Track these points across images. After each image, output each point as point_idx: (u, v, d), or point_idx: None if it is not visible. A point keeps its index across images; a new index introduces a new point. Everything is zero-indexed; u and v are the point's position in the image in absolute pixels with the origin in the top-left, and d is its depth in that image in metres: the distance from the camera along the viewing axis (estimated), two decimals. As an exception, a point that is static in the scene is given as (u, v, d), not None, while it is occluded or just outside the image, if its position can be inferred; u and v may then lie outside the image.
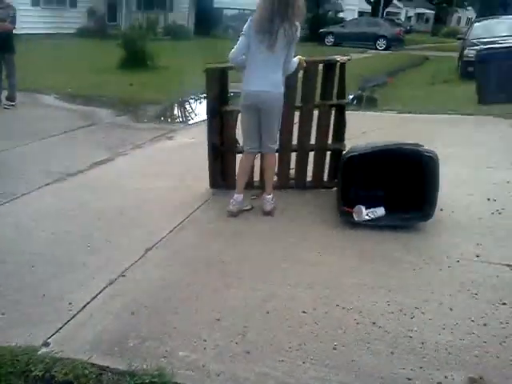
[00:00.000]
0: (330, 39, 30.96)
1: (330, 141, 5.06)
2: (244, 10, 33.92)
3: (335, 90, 4.91)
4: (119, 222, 4.46)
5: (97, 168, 6.06)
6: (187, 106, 11.38)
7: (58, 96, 10.84)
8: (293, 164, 5.16)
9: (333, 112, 4.95)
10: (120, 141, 7.29)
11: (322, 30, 31.37)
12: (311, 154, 5.11)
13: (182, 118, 10.43)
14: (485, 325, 2.96)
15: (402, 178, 4.42)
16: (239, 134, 4.77)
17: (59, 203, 4.87)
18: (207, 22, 31.15)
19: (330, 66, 4.79)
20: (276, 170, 4.87)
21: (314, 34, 30.02)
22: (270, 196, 4.66)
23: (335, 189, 4.72)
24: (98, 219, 4.50)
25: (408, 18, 60.36)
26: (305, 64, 4.53)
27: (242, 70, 4.35)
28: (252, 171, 4.93)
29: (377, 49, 28.80)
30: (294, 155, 5.12)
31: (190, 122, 9.44)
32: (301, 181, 5.19)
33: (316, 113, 4.93)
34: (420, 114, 9.07)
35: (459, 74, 14.92)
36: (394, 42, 30.03)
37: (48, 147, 6.90)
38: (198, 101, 11.44)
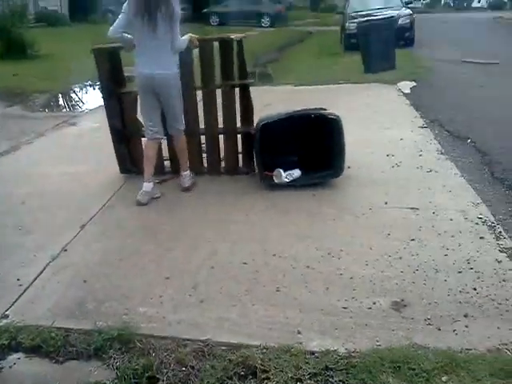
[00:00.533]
0: (214, 19, 31.05)
1: (238, 123, 4.91)
2: (121, -8, 32.90)
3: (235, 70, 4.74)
4: (44, 205, 4.49)
5: (2, 158, 5.96)
6: (81, 93, 11.16)
7: None
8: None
9: (236, 92, 4.79)
10: (19, 131, 7.14)
11: (205, 10, 31.40)
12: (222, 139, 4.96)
13: (80, 104, 10.16)
14: (400, 258, 3.42)
15: (312, 141, 4.83)
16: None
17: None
18: (82, 7, 29.79)
19: (225, 43, 4.60)
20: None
21: (197, 14, 29.99)
22: (187, 172, 4.68)
23: (252, 174, 4.90)
24: (21, 204, 4.51)
25: (286, -6, 61.79)
26: (196, 42, 4.45)
27: (129, 50, 4.33)
28: (160, 157, 4.84)
29: (262, 26, 29.34)
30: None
31: (89, 108, 9.13)
32: (214, 167, 5.03)
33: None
34: (314, 85, 9.60)
35: (343, 46, 15.77)
36: (277, 19, 30.80)
37: None
38: (92, 87, 11.26)
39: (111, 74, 4.71)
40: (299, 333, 2.70)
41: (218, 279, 3.21)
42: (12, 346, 2.68)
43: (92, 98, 10.44)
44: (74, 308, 2.95)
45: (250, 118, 4.82)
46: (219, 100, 4.81)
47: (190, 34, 4.42)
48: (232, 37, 4.60)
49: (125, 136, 4.94)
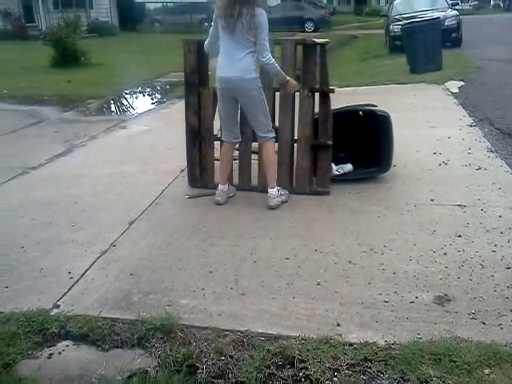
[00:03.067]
0: None
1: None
2: (167, 3, 33.68)
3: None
4: (96, 204, 4.63)
5: (58, 160, 6.16)
6: (131, 98, 11.48)
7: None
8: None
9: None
10: (74, 134, 7.36)
11: None
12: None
13: (130, 109, 10.38)
14: (445, 254, 3.37)
15: (361, 137, 4.82)
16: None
17: (30, 194, 4.95)
18: (131, 17, 30.86)
19: (309, 47, 4.47)
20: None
21: None
22: (274, 190, 4.34)
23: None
24: (74, 203, 4.66)
25: (330, 1, 61.38)
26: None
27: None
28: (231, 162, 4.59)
29: (305, 31, 29.35)
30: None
31: (139, 112, 9.39)
32: (285, 181, 4.56)
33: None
34: (359, 86, 9.54)
35: (388, 48, 15.73)
36: (321, 24, 30.82)
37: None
38: (142, 93, 11.70)
39: (196, 67, 4.59)
40: (338, 325, 2.71)
41: (260, 273, 3.25)
42: (61, 334, 2.79)
43: (141, 102, 10.79)
44: (120, 299, 3.05)
45: (330, 129, 4.48)
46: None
47: (286, 76, 4.23)
48: (316, 40, 4.49)
49: (199, 136, 4.74)
